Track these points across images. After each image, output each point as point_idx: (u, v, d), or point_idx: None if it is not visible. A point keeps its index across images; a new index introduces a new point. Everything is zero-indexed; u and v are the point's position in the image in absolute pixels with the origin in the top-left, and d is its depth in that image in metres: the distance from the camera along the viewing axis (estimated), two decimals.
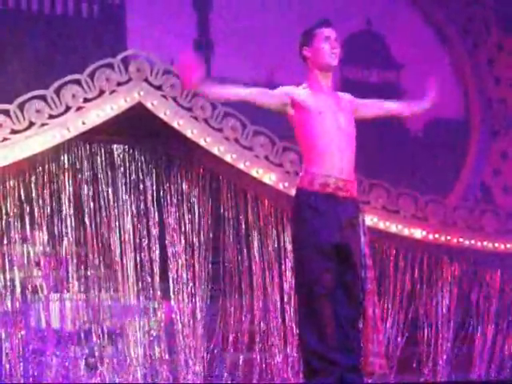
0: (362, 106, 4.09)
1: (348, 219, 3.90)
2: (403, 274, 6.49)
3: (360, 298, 3.90)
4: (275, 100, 3.94)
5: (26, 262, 5.76)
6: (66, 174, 5.90)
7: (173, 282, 6.00)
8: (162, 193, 6.07)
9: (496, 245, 6.71)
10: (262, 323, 6.12)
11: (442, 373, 6.49)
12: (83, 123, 5.81)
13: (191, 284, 6.02)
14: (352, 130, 4.00)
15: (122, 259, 5.91)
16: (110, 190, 5.97)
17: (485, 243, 6.69)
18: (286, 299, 6.18)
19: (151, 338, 5.89)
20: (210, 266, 6.06)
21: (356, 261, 3.92)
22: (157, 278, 5.98)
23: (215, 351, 6.01)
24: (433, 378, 6.45)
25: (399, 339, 6.45)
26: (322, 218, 3.85)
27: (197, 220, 6.09)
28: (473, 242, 6.67)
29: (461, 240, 6.64)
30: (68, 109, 5.79)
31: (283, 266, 6.20)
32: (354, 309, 3.89)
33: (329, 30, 4.01)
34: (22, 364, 5.62)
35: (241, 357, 6.05)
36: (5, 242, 5.74)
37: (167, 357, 5.89)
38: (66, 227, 5.84)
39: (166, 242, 6.02)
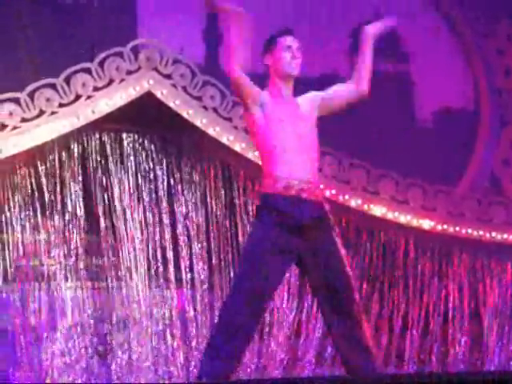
0: (326, 100, 4.02)
1: (313, 220, 3.86)
2: (413, 265, 6.50)
3: (349, 299, 3.87)
4: (253, 93, 3.91)
5: (36, 250, 5.78)
6: (76, 162, 5.92)
7: (185, 271, 6.02)
8: (172, 181, 6.08)
9: (505, 236, 6.70)
10: (275, 312, 6.13)
11: (453, 364, 6.50)
12: (93, 112, 5.82)
13: (204, 272, 6.04)
14: (312, 136, 3.98)
15: (133, 248, 5.93)
16: (119, 179, 5.98)
17: (493, 234, 6.68)
18: (291, 289, 6.19)
19: (163, 327, 5.91)
20: (222, 254, 6.07)
21: (333, 261, 3.87)
22: (169, 267, 6.00)
23: None
24: (444, 369, 6.45)
25: (411, 331, 6.47)
26: (285, 219, 3.82)
27: (208, 209, 6.10)
28: (481, 233, 6.66)
29: (469, 231, 6.63)
30: (78, 97, 5.80)
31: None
32: (345, 314, 3.86)
33: (290, 38, 3.99)
34: (32, 353, 5.65)
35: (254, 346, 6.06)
36: (16, 230, 5.76)
37: (178, 346, 5.90)
38: (77, 216, 5.86)
39: (178, 230, 6.04)
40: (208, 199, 6.12)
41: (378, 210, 6.39)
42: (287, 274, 5.83)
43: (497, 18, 7.07)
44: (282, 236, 3.82)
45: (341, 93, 4.04)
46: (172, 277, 5.99)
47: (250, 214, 6.15)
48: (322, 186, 4.17)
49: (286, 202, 3.84)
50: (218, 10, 3.98)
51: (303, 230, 3.84)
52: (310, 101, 4.03)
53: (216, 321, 3.97)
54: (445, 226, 6.57)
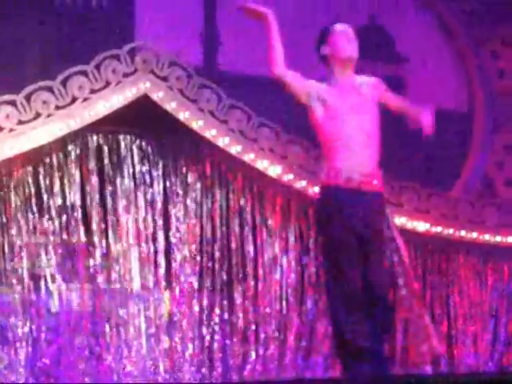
0: (386, 97, 4.11)
1: (373, 212, 3.93)
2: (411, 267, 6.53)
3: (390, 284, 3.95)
4: (305, 89, 3.96)
5: (33, 252, 5.79)
6: (73, 164, 5.93)
7: (177, 273, 6.04)
8: (168, 184, 6.10)
9: (498, 238, 6.74)
10: (265, 315, 6.15)
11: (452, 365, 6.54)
12: (89, 114, 5.84)
13: (196, 275, 6.06)
14: (374, 121, 4.02)
15: (128, 249, 5.95)
16: (116, 181, 6.00)
17: (486, 237, 6.72)
18: (290, 291, 6.21)
19: (154, 329, 5.93)
20: (216, 257, 6.09)
21: (381, 246, 3.94)
22: (163, 270, 6.02)
23: (218, 342, 6.05)
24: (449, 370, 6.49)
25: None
26: (348, 212, 3.88)
27: (203, 212, 6.12)
28: (474, 235, 6.70)
29: (463, 233, 6.67)
30: (74, 100, 5.82)
31: (286, 259, 6.23)
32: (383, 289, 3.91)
33: (343, 25, 4.07)
34: (31, 353, 5.67)
35: (245, 348, 6.09)
36: (13, 232, 5.77)
37: (168, 346, 5.92)
38: (74, 217, 5.87)
39: (171, 233, 6.06)
40: (203, 202, 6.14)
41: None
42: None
43: (492, 22, 7.11)
44: (345, 223, 3.87)
45: (402, 101, 4.18)
46: (165, 279, 6.00)
47: (246, 216, 6.17)
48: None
49: (347, 195, 3.89)
50: (254, 15, 4.01)
51: (363, 220, 3.90)
52: (372, 86, 4.07)
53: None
54: (439, 229, 6.61)
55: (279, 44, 3.94)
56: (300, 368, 6.17)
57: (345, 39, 4.01)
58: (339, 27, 4.05)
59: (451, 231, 6.63)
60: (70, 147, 5.94)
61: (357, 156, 3.91)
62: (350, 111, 3.95)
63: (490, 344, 6.64)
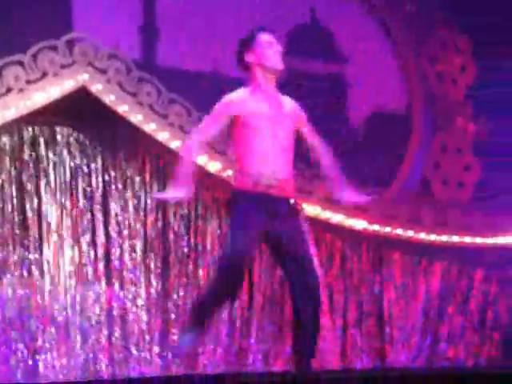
0: (304, 129, 4.12)
1: (280, 214, 3.93)
2: (349, 265, 6.58)
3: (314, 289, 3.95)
4: (221, 126, 3.99)
5: None
6: (7, 156, 5.80)
7: (117, 267, 5.96)
8: (107, 177, 6.01)
9: (434, 236, 6.83)
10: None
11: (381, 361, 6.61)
12: (25, 105, 5.71)
13: (136, 269, 5.99)
14: (289, 136, 4.02)
15: (64, 243, 5.84)
16: (52, 173, 5.88)
17: (422, 235, 6.81)
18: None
19: (94, 324, 5.84)
20: (155, 251, 6.03)
21: (299, 253, 3.95)
22: (101, 264, 5.93)
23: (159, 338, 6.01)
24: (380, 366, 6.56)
25: (350, 330, 6.55)
26: (251, 210, 3.89)
27: (142, 205, 6.06)
28: (412, 233, 6.78)
29: (400, 232, 6.74)
30: (9, 90, 5.68)
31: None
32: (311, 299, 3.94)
33: (268, 35, 4.05)
34: None
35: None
36: None
37: (107, 343, 5.84)
38: (7, 209, 5.74)
39: (110, 227, 5.97)
40: (142, 196, 6.07)
41: (311, 210, 6.43)
42: None
43: (430, 26, 7.20)
44: (254, 220, 3.88)
45: (312, 139, 4.16)
46: (104, 274, 5.92)
47: (184, 210, 6.13)
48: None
49: (254, 198, 3.89)
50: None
51: (271, 217, 3.90)
52: (294, 107, 4.09)
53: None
54: (376, 227, 6.66)
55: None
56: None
57: (271, 49, 4.00)
58: (265, 37, 4.03)
59: (388, 229, 6.69)
60: (4, 138, 5.80)
61: (268, 164, 3.92)
62: (267, 120, 3.95)
63: (420, 341, 6.72)
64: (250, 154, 3.93)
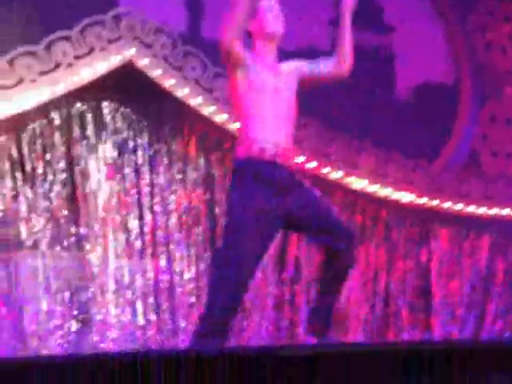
0: (308, 72, 4.00)
1: (285, 182, 3.86)
2: (395, 237, 6.56)
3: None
4: (241, 54, 3.84)
5: (16, 219, 5.75)
6: (57, 131, 5.88)
7: (163, 242, 6.03)
8: (153, 152, 6.07)
9: (483, 210, 6.76)
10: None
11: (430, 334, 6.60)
12: (73, 80, 5.77)
13: (182, 243, 6.05)
14: (291, 104, 3.95)
15: (112, 218, 5.92)
16: (100, 148, 5.96)
17: (471, 208, 6.74)
18: (270, 261, 6.22)
19: (141, 297, 5.93)
20: (202, 225, 6.08)
21: (318, 205, 3.89)
22: (147, 238, 6.00)
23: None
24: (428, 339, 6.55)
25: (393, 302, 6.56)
26: (258, 183, 3.81)
27: (188, 180, 6.10)
28: (460, 206, 6.72)
29: (447, 205, 6.69)
30: (58, 65, 5.75)
31: None
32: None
33: (269, 0, 3.96)
34: (13, 321, 5.65)
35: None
36: None
37: (155, 316, 5.92)
38: (57, 184, 5.84)
39: (156, 200, 6.03)
40: (187, 170, 6.11)
41: (358, 183, 6.42)
42: None
43: None
44: (262, 199, 3.79)
45: (324, 68, 4.01)
46: (149, 247, 5.99)
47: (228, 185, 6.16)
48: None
49: (261, 165, 3.83)
50: None
51: (279, 190, 3.83)
52: (293, 68, 4.01)
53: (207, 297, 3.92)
54: (423, 200, 6.62)
55: (244, 16, 3.80)
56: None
57: (270, 14, 3.93)
58: (265, 2, 3.95)
59: (436, 203, 6.64)
60: (53, 114, 5.88)
61: (272, 130, 3.85)
62: (267, 84, 3.89)
63: (466, 315, 6.69)
64: (253, 123, 3.85)
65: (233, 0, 3.80)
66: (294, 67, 4.02)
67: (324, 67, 4.01)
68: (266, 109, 3.87)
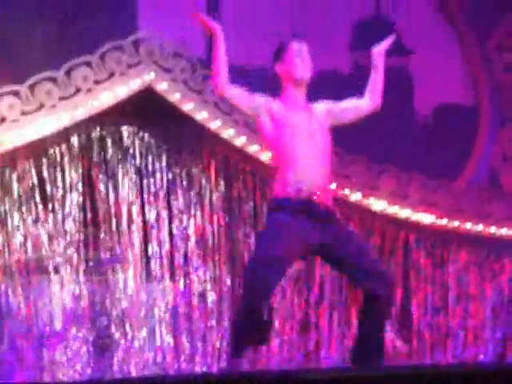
0: (341, 112, 4.09)
1: (322, 221, 3.93)
2: (413, 259, 6.52)
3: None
4: (252, 104, 3.99)
5: (37, 243, 5.78)
6: (76, 155, 5.92)
7: (181, 265, 6.03)
8: (171, 176, 6.09)
9: (504, 230, 6.71)
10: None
11: (451, 357, 6.53)
12: (93, 105, 5.82)
13: (201, 267, 6.05)
14: (326, 142, 4.04)
15: (131, 241, 5.94)
16: (119, 172, 5.99)
17: (492, 229, 6.69)
18: (291, 284, 6.20)
19: (158, 321, 5.93)
20: (220, 249, 6.08)
21: (351, 242, 3.95)
22: (165, 261, 6.01)
23: (223, 335, 6.04)
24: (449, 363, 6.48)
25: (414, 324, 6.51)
26: (297, 215, 3.89)
27: (206, 204, 6.11)
28: (480, 227, 6.67)
29: (468, 226, 6.64)
30: (78, 91, 5.81)
31: None
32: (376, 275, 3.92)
33: (299, 43, 4.05)
34: (32, 345, 5.67)
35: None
36: (16, 222, 5.77)
37: (172, 340, 5.92)
38: (77, 208, 5.87)
39: (175, 225, 6.04)
40: (207, 194, 6.12)
41: (378, 205, 6.40)
42: None
43: (497, 15, 7.06)
44: (299, 226, 3.87)
45: (354, 108, 4.12)
46: (167, 271, 5.99)
47: (249, 209, 6.16)
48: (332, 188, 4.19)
49: (297, 204, 3.90)
50: (204, 26, 3.96)
51: (316, 224, 3.90)
52: (324, 108, 4.09)
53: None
54: (444, 221, 6.58)
55: (224, 59, 3.92)
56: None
57: (299, 59, 4.01)
58: (295, 46, 4.04)
59: (456, 224, 6.60)
60: (73, 138, 5.92)
61: (306, 170, 3.92)
62: (300, 126, 3.97)
63: (488, 338, 6.62)
64: (288, 165, 3.93)
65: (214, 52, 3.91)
66: (326, 107, 4.10)
67: (355, 106, 4.12)
68: (300, 150, 3.94)
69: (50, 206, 5.84)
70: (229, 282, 6.08)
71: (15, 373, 5.61)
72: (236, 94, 3.97)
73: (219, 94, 3.98)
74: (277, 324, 6.12)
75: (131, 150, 6.04)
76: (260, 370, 5.99)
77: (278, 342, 6.17)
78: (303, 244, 3.88)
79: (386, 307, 3.93)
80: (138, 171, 6.03)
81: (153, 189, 6.05)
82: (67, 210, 5.85)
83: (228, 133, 6.07)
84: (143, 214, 6.00)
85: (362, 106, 4.11)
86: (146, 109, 5.96)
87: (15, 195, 5.79)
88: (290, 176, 3.91)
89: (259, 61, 6.20)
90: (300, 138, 3.94)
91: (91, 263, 5.87)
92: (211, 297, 6.06)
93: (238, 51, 6.28)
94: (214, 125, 6.05)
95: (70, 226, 5.86)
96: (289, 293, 6.21)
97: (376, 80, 4.14)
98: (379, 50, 4.20)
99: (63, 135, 5.88)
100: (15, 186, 5.80)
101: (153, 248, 6.00)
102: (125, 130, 6.04)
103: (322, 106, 4.09)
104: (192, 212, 6.08)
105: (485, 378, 3.44)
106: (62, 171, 5.88)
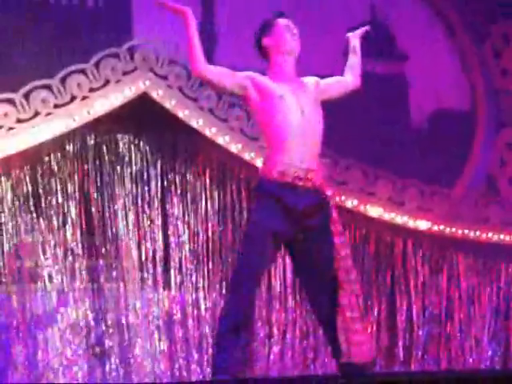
0: (327, 87, 4.10)
1: (306, 209, 3.84)
2: (410, 266, 6.50)
3: (333, 289, 3.85)
4: (236, 80, 3.93)
5: (32, 251, 5.76)
6: (71, 163, 5.91)
7: (175, 273, 6.01)
8: (166, 183, 6.07)
9: (501, 237, 6.70)
10: (263, 313, 6.12)
11: (449, 363, 6.51)
12: (88, 113, 5.81)
13: (194, 274, 6.03)
14: (316, 115, 3.96)
15: (126, 249, 5.92)
16: (114, 180, 5.97)
17: (490, 235, 6.68)
18: (289, 290, 6.18)
19: (153, 329, 5.90)
20: (214, 256, 6.06)
21: (325, 249, 3.86)
22: (159, 269, 5.99)
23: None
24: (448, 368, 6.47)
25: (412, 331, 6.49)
26: (276, 205, 3.82)
27: (202, 211, 6.09)
28: (478, 233, 6.66)
29: (466, 232, 6.63)
30: (73, 98, 5.80)
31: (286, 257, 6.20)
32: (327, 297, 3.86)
33: (287, 20, 4.07)
34: (27, 353, 5.64)
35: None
36: (10, 231, 5.74)
37: (167, 348, 5.89)
38: (72, 217, 5.85)
39: (169, 232, 6.02)
40: (202, 201, 6.11)
41: (374, 211, 6.39)
42: None
43: (492, 19, 7.06)
44: (276, 220, 3.81)
45: (339, 84, 4.17)
46: (162, 278, 5.97)
47: (244, 215, 6.14)
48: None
49: (280, 189, 3.82)
50: (173, 11, 3.95)
51: (297, 217, 3.83)
52: (313, 81, 4.08)
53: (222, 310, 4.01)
54: (441, 227, 6.56)
55: (198, 41, 3.91)
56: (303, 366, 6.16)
57: (288, 32, 4.00)
58: (282, 21, 4.04)
59: (454, 230, 6.58)
60: (68, 146, 5.91)
61: (295, 149, 3.84)
62: (290, 96, 3.90)
63: (488, 345, 6.60)
64: (276, 142, 3.87)
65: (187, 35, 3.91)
66: (314, 80, 4.08)
67: (339, 82, 4.18)
68: (290, 122, 3.86)
69: (44, 213, 5.81)
70: (223, 290, 6.06)
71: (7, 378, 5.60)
72: (217, 72, 3.91)
73: (201, 77, 3.93)
74: (277, 331, 6.12)
75: (126, 158, 6.02)
76: (261, 377, 5.98)
77: (279, 349, 6.15)
78: (274, 237, 3.81)
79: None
80: (134, 178, 6.02)
81: (148, 196, 6.03)
82: (62, 217, 5.83)
83: (223, 139, 6.06)
84: (138, 221, 5.98)
85: (347, 82, 4.18)
86: (141, 116, 5.95)
87: (10, 203, 5.76)
88: (276, 157, 3.84)
89: (251, 64, 6.19)
90: (289, 109, 3.86)
91: (86, 271, 5.84)
92: (205, 305, 6.03)
93: (234, 51, 6.30)
94: (210, 131, 6.04)
95: (64, 233, 5.83)
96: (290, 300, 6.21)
97: (355, 61, 4.23)
98: (354, 34, 4.30)
99: (58, 143, 5.86)
100: (10, 194, 5.77)
101: (147, 255, 5.98)
102: (120, 138, 6.03)
103: (311, 79, 4.08)
104: (186, 219, 6.06)
105: None
106: (57, 179, 5.86)
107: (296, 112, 3.88)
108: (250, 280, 3.83)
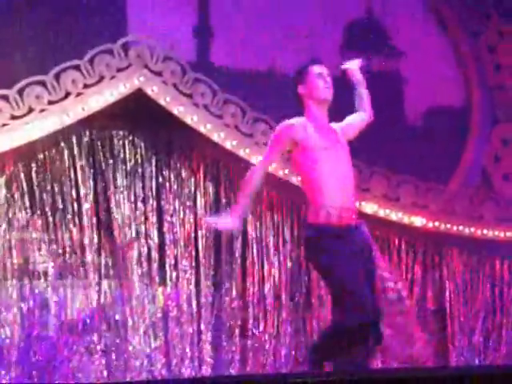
0: (349, 129, 4.32)
1: (360, 245, 4.11)
2: (405, 262, 6.50)
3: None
4: (278, 158, 4.26)
5: (27, 248, 5.75)
6: (66, 159, 5.88)
7: (170, 269, 6.00)
8: (161, 179, 6.06)
9: (496, 233, 6.70)
10: (256, 310, 6.12)
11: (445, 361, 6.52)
12: (83, 109, 5.80)
13: (190, 271, 6.02)
14: (350, 160, 4.20)
15: (121, 245, 5.90)
16: (109, 176, 5.95)
17: (484, 231, 6.68)
18: (283, 287, 6.18)
19: (149, 325, 5.90)
20: (209, 253, 6.05)
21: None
22: (155, 265, 5.98)
23: (213, 338, 6.02)
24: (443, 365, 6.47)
25: None
26: (339, 243, 4.03)
27: (197, 206, 6.08)
28: (472, 230, 6.66)
29: (460, 228, 6.63)
30: (68, 94, 5.78)
31: (281, 255, 6.19)
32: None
33: (320, 66, 4.22)
34: (25, 350, 5.63)
35: (237, 343, 6.06)
36: (4, 227, 5.73)
37: (163, 344, 5.88)
38: (67, 213, 5.83)
39: (165, 228, 6.01)
40: (197, 197, 6.10)
41: (369, 208, 6.38)
42: None
43: (487, 15, 7.06)
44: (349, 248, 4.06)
45: (356, 123, 4.38)
46: (158, 275, 5.96)
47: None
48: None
49: (328, 231, 4.04)
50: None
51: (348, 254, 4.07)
52: (339, 127, 4.27)
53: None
54: (436, 223, 6.56)
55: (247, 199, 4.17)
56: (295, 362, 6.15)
57: (322, 81, 4.16)
58: (316, 69, 4.19)
59: (449, 226, 6.59)
60: (62, 143, 5.89)
61: (336, 191, 4.06)
62: (331, 146, 4.12)
63: (483, 341, 6.61)
64: (316, 187, 4.07)
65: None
66: (340, 126, 4.28)
67: (356, 121, 4.38)
68: (330, 169, 4.07)
69: (38, 211, 5.79)
70: (216, 287, 6.06)
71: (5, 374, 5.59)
72: (264, 173, 4.19)
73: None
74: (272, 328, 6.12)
75: (121, 154, 6.01)
76: (257, 373, 5.98)
77: (274, 345, 6.15)
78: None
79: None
80: (128, 174, 6.00)
81: (142, 192, 6.02)
82: (56, 214, 5.81)
83: (218, 136, 6.04)
84: (133, 217, 5.96)
85: (363, 120, 4.38)
86: (135, 112, 5.93)
87: (3, 200, 5.74)
88: (320, 200, 4.04)
89: (246, 61, 6.20)
90: (330, 159, 4.07)
91: (81, 267, 5.83)
92: (200, 301, 6.03)
93: (228, 51, 6.29)
94: (205, 128, 6.02)
95: (58, 230, 5.81)
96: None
97: (363, 93, 4.40)
98: (350, 67, 4.43)
99: (52, 139, 5.84)
100: (4, 191, 5.75)
101: (142, 251, 5.97)
102: (115, 134, 6.01)
103: (338, 126, 4.27)
104: (181, 215, 6.05)
105: (479, 382, 3.43)
106: (51, 175, 5.84)
107: (336, 161, 4.11)
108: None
